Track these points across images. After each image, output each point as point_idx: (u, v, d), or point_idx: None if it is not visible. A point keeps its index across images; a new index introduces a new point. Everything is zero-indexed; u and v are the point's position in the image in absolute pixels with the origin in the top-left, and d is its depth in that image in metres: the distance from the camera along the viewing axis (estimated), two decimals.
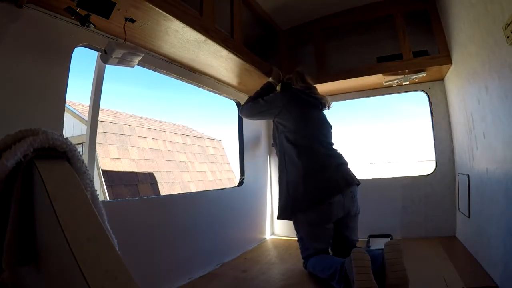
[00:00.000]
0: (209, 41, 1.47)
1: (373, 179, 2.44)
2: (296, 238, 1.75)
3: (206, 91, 2.14)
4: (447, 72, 2.07)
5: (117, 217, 1.32)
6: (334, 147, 1.78)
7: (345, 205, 1.58)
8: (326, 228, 1.60)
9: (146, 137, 5.14)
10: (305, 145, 1.69)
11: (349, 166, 1.74)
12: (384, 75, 2.14)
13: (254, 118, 2.09)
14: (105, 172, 4.11)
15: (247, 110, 1.93)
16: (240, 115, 2.12)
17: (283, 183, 1.73)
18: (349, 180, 1.64)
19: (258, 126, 2.70)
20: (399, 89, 2.35)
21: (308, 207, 1.58)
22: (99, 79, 1.49)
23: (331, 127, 1.85)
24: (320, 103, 1.87)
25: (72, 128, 4.33)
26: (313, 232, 1.62)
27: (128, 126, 4.93)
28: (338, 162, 1.69)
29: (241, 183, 2.39)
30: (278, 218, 1.75)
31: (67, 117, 2.14)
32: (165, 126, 6.21)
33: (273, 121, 1.86)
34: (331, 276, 1.39)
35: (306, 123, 1.75)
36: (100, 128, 4.31)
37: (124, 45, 1.22)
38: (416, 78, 2.09)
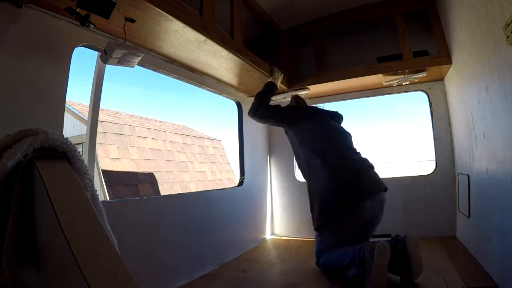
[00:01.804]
0: (209, 41, 1.47)
1: None
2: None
3: (206, 91, 2.14)
4: (447, 72, 2.07)
5: (117, 217, 1.32)
6: (358, 152, 1.74)
7: (374, 211, 1.52)
8: (351, 238, 1.52)
9: (146, 137, 5.14)
10: (330, 152, 1.65)
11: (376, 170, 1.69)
12: (384, 75, 2.14)
13: (269, 123, 1.95)
14: (105, 172, 4.11)
15: (264, 113, 1.85)
16: (252, 117, 1.94)
17: (311, 192, 1.70)
18: (378, 185, 1.58)
19: (258, 126, 2.70)
20: (399, 89, 2.35)
21: (338, 215, 1.53)
22: (99, 79, 1.49)
23: (351, 136, 1.84)
24: (338, 115, 1.89)
25: (72, 128, 4.33)
26: (338, 241, 1.54)
27: (128, 126, 4.93)
28: (365, 166, 1.64)
29: (241, 183, 2.39)
30: (315, 230, 1.67)
31: (67, 117, 2.14)
32: (165, 126, 6.21)
33: (290, 132, 1.83)
34: (351, 263, 1.34)
35: (329, 131, 1.75)
36: (100, 128, 4.31)
37: (124, 45, 1.22)
38: (416, 78, 2.09)
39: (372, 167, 1.66)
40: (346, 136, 1.78)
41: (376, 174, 1.65)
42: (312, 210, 1.70)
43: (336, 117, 1.89)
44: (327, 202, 1.57)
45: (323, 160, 1.63)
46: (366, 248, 1.30)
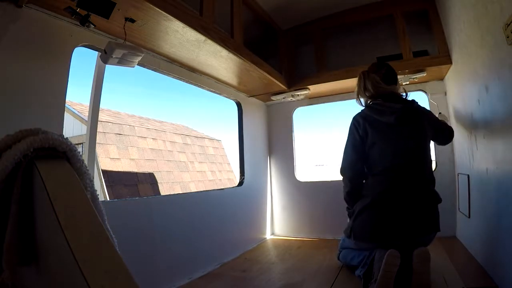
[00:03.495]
0: (209, 41, 1.47)
1: None
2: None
3: (206, 91, 2.14)
4: (447, 72, 2.07)
5: (117, 217, 1.32)
6: (420, 173, 1.44)
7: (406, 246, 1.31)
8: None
9: (146, 137, 5.14)
10: (379, 174, 1.47)
11: (435, 206, 1.42)
12: None
13: (357, 164, 1.56)
14: (105, 172, 4.11)
15: (344, 165, 1.59)
16: (343, 175, 1.61)
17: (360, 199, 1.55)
18: (424, 229, 1.37)
19: (258, 126, 2.70)
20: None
21: (361, 239, 1.47)
22: (99, 79, 1.50)
23: (419, 142, 1.48)
24: (396, 114, 1.45)
25: (72, 128, 4.33)
26: (357, 252, 1.54)
27: (128, 126, 4.93)
28: (419, 204, 1.38)
29: (241, 183, 2.39)
30: (344, 231, 1.61)
31: (67, 117, 2.14)
32: (164, 126, 6.21)
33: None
34: (360, 263, 1.44)
35: (379, 153, 1.48)
36: (100, 128, 4.31)
37: (124, 45, 1.22)
38: (416, 78, 2.09)
39: (424, 205, 1.39)
40: (406, 156, 1.44)
41: (425, 214, 1.38)
42: (349, 214, 1.59)
43: (396, 117, 1.44)
44: (357, 223, 1.46)
45: (372, 182, 1.48)
46: (376, 255, 1.31)
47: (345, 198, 1.59)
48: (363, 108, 1.62)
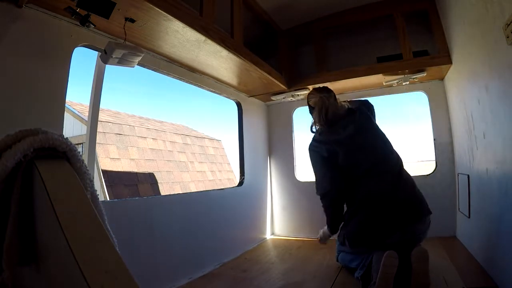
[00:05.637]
0: (209, 41, 1.47)
1: None
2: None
3: (206, 91, 2.14)
4: (447, 72, 2.07)
5: (117, 217, 1.33)
6: (391, 167, 1.50)
7: (401, 243, 1.35)
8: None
9: (146, 137, 5.14)
10: (356, 181, 1.51)
11: (416, 189, 1.47)
12: (384, 75, 2.14)
13: (341, 182, 1.57)
14: (105, 172, 4.11)
15: (325, 186, 1.59)
16: (324, 198, 1.62)
17: (346, 210, 1.60)
18: (412, 214, 1.38)
19: (258, 126, 2.70)
20: (399, 89, 2.35)
21: (356, 246, 1.49)
22: (99, 79, 1.50)
23: (381, 138, 1.58)
24: (348, 127, 1.55)
25: (72, 128, 4.33)
26: (355, 255, 1.55)
27: (128, 126, 4.93)
28: (397, 191, 1.42)
29: (241, 183, 2.39)
30: (337, 238, 1.67)
31: (67, 117, 2.14)
32: (164, 126, 6.21)
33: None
34: (358, 265, 1.45)
35: (347, 162, 1.53)
36: (100, 128, 4.31)
37: (124, 45, 1.22)
38: (416, 78, 2.09)
39: (407, 189, 1.44)
40: (370, 155, 1.50)
41: (411, 199, 1.42)
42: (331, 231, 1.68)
43: (348, 129, 1.54)
44: (350, 228, 1.51)
45: (353, 187, 1.52)
46: (374, 257, 1.32)
47: (329, 224, 1.64)
48: (313, 135, 1.69)
